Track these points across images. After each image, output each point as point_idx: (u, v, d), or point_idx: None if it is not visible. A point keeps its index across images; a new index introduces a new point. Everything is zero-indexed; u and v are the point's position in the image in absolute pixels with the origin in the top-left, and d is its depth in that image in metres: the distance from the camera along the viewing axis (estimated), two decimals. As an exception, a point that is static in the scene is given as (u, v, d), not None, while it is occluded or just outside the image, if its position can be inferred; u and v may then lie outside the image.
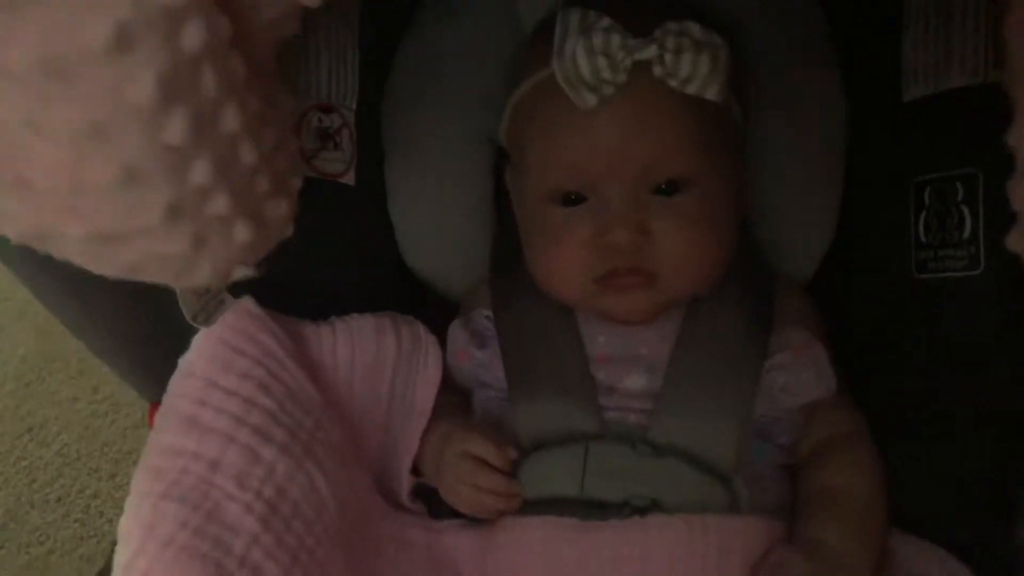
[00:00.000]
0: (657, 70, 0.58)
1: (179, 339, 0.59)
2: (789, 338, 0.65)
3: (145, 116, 0.39)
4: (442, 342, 0.71)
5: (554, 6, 0.68)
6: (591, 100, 0.58)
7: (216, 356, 0.58)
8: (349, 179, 0.70)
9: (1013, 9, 0.44)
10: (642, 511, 0.59)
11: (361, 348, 0.66)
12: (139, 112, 0.38)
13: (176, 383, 0.58)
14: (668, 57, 0.57)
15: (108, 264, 0.46)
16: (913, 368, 0.63)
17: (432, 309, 0.76)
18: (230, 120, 0.44)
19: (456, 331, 0.71)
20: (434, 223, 0.75)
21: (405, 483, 0.66)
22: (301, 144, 0.64)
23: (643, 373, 0.64)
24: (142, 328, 0.61)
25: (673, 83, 0.58)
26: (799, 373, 0.63)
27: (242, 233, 0.47)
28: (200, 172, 0.43)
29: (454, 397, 0.70)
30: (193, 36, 0.39)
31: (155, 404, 0.61)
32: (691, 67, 0.57)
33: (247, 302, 0.61)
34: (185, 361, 0.59)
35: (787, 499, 0.64)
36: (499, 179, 0.76)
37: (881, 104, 0.65)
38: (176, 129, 0.40)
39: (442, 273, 0.78)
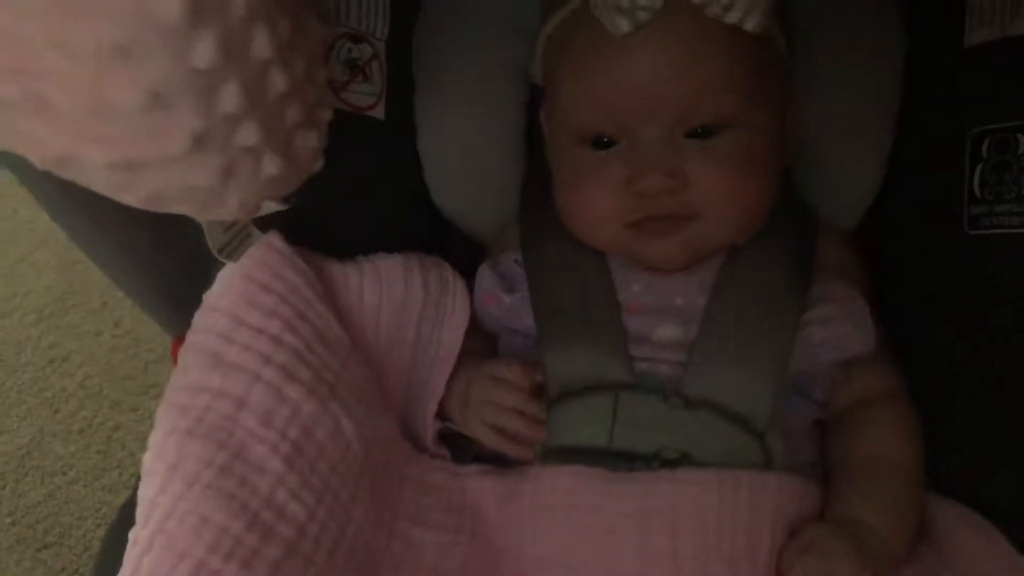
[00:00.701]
0: None
1: (204, 273, 0.58)
2: (830, 290, 0.63)
3: (172, 36, 0.37)
4: (470, 284, 0.69)
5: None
6: (624, 25, 0.55)
7: (242, 292, 0.56)
8: (378, 112, 0.67)
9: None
10: (672, 463, 0.58)
11: (388, 289, 0.64)
12: (166, 32, 0.36)
13: (201, 318, 0.57)
14: None
15: (132, 193, 0.44)
16: (960, 327, 0.60)
17: (460, 249, 0.74)
18: (261, 45, 0.41)
19: (484, 274, 0.69)
20: (464, 159, 0.73)
21: (430, 428, 0.65)
22: (330, 75, 0.61)
23: (677, 324, 0.62)
24: (167, 260, 0.59)
25: (712, 11, 0.55)
26: (839, 327, 0.61)
27: (271, 165, 0.46)
28: (229, 99, 0.41)
29: (480, 343, 0.69)
30: (224, -48, 0.36)
31: (178, 339, 0.60)
32: None
33: (274, 237, 0.59)
34: (210, 296, 0.58)
35: (819, 456, 0.63)
36: (532, 116, 0.73)
37: (941, 47, 0.61)
38: (205, 51, 0.38)
39: (471, 212, 0.76)
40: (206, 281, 0.58)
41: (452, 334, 0.66)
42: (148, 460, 0.52)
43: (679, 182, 0.58)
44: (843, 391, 0.63)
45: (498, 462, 0.64)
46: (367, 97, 0.67)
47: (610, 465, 0.58)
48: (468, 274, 0.69)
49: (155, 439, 0.53)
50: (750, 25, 0.55)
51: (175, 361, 0.59)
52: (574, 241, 0.65)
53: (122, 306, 1.24)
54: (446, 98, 0.71)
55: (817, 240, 0.67)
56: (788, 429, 0.60)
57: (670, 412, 0.59)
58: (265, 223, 0.58)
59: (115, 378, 1.19)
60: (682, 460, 0.58)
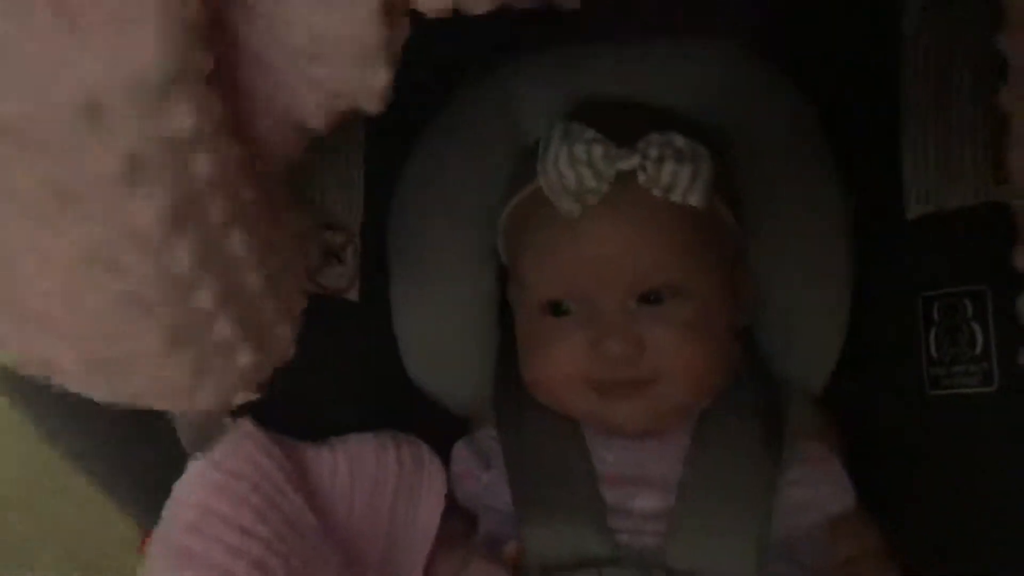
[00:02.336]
0: (641, 178, 0.59)
1: (174, 462, 0.57)
2: (803, 451, 0.63)
3: (150, 243, 0.38)
4: (446, 462, 0.68)
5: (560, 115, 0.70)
6: (575, 209, 0.60)
7: (212, 481, 0.55)
8: (353, 295, 0.69)
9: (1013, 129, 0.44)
10: (660, 644, 0.56)
11: (360, 469, 0.63)
12: (144, 239, 0.38)
13: (170, 511, 0.56)
14: (650, 166, 0.59)
15: (104, 391, 0.45)
16: (934, 485, 0.61)
17: (441, 426, 0.74)
18: (237, 246, 0.43)
19: (461, 451, 0.69)
20: (439, 340, 0.74)
21: None
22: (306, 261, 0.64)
23: (655, 493, 0.62)
24: (134, 452, 0.59)
25: (656, 191, 0.60)
26: (817, 487, 0.62)
27: (245, 358, 0.46)
28: (204, 299, 0.42)
29: (460, 524, 0.67)
30: (204, 165, 0.39)
31: (148, 533, 0.59)
32: (672, 176, 0.59)
33: (245, 423, 0.59)
34: (179, 487, 0.56)
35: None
36: (503, 294, 0.75)
37: (885, 217, 0.65)
38: (182, 256, 0.40)
39: (448, 390, 0.76)
40: (176, 471, 0.57)
41: (428, 513, 0.65)
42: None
43: (637, 348, 0.60)
44: (829, 552, 0.63)
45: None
46: (342, 279, 0.68)
47: (598, 647, 0.56)
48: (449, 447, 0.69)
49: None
50: (693, 201, 0.60)
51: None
52: (548, 415, 0.66)
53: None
54: (420, 280, 0.74)
55: (786, 401, 0.68)
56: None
57: (654, 588, 0.57)
58: (238, 409, 0.58)
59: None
60: (670, 640, 0.56)
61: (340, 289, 0.68)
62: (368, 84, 0.41)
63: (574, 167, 0.59)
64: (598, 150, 0.59)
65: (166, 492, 0.56)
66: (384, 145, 0.73)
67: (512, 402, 0.70)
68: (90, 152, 0.35)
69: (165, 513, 0.56)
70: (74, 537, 1.17)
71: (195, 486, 0.56)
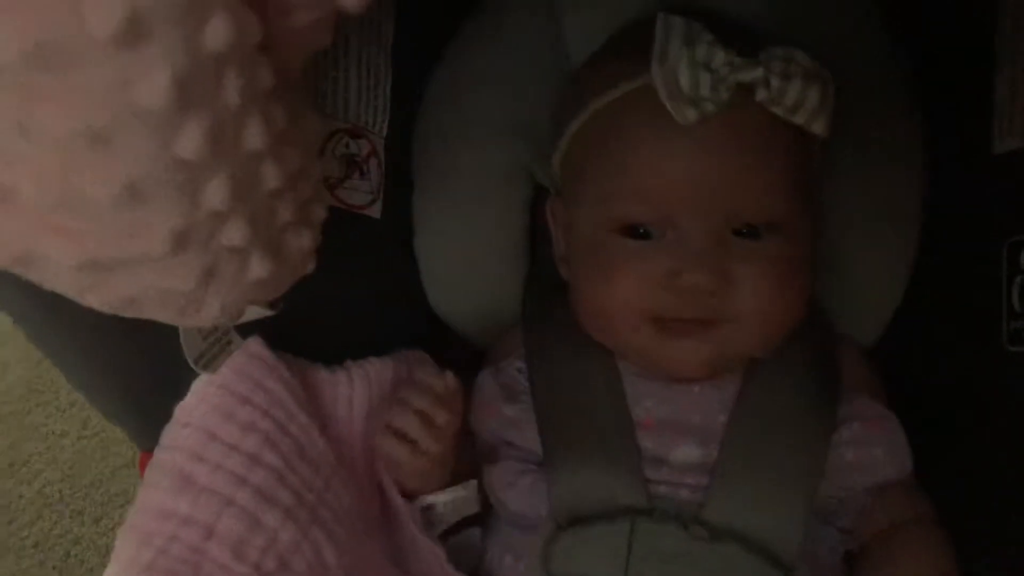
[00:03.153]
0: (761, 94, 0.52)
1: (179, 383, 0.53)
2: (859, 409, 0.58)
3: (155, 123, 0.33)
4: (470, 385, 0.64)
5: (605, 34, 0.64)
6: (691, 115, 0.52)
7: (218, 405, 0.51)
8: (375, 212, 0.64)
9: None
10: (693, 603, 0.52)
11: (379, 397, 0.59)
12: (148, 118, 0.32)
13: (171, 434, 0.52)
14: (775, 81, 0.52)
15: (100, 295, 0.39)
16: (996, 454, 0.56)
17: (460, 351, 0.70)
18: (253, 135, 0.38)
19: (485, 383, 0.64)
20: (464, 261, 0.69)
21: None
22: (325, 170, 0.58)
23: (696, 444, 0.57)
24: (138, 369, 0.54)
25: (778, 110, 0.53)
26: (871, 449, 0.57)
27: (258, 267, 0.41)
28: (215, 194, 0.37)
29: (463, 466, 0.63)
30: (218, 33, 0.33)
31: (147, 453, 0.54)
32: (799, 95, 0.52)
33: (255, 343, 0.54)
34: (182, 409, 0.52)
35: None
36: (535, 217, 0.70)
37: (969, 154, 0.59)
38: (191, 141, 0.34)
39: (470, 316, 0.71)
40: (180, 392, 0.53)
41: None
42: (101, 598, 0.45)
43: (724, 282, 0.54)
44: (872, 518, 0.59)
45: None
46: (363, 195, 0.63)
47: (625, 603, 0.52)
48: (469, 377, 0.65)
49: (111, 571, 0.46)
50: (818, 128, 0.53)
51: (142, 476, 0.53)
52: (583, 350, 0.61)
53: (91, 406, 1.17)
54: (446, 198, 0.68)
55: (839, 354, 0.62)
56: (815, 561, 0.55)
57: (692, 544, 0.53)
58: (246, 327, 0.53)
59: (78, 485, 1.11)
60: (704, 599, 0.52)
61: (361, 205, 0.63)
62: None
63: (692, 70, 0.51)
64: (719, 56, 0.52)
65: (168, 413, 0.52)
66: (413, 52, 0.67)
67: (543, 334, 0.65)
68: (84, 6, 0.29)
69: (165, 435, 0.52)
70: (75, 457, 1.15)
71: (199, 409, 0.52)
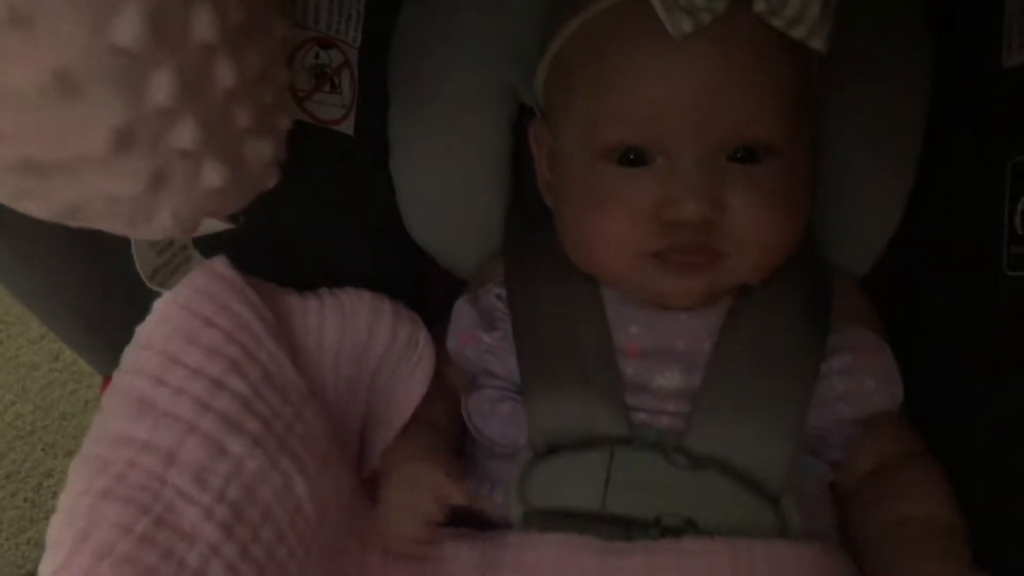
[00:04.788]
0: (760, 5, 0.48)
1: (140, 304, 0.50)
2: (851, 339, 0.56)
3: (86, 3, 0.29)
4: (444, 321, 0.62)
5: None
6: (687, 24, 0.48)
7: (180, 326, 0.48)
8: (347, 127, 0.60)
9: None
10: (676, 532, 0.51)
11: (352, 329, 0.56)
12: (77, -4, 0.29)
13: (130, 357, 0.49)
14: None
15: (39, 201, 0.36)
16: (994, 383, 0.54)
17: (437, 278, 0.68)
18: (203, 26, 0.34)
19: (462, 311, 0.61)
20: (442, 183, 0.66)
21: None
22: (293, 80, 0.54)
23: (680, 370, 0.55)
24: (91, 287, 0.51)
25: (777, 23, 0.49)
26: (862, 379, 0.55)
27: (213, 174, 0.38)
28: (160, 88, 0.33)
29: (438, 414, 0.61)
30: (155, -100, 0.29)
31: (108, 379, 0.52)
32: (800, 7, 0.48)
33: (219, 262, 0.51)
34: (142, 330, 0.49)
35: (834, 523, 0.57)
36: (518, 140, 0.66)
37: (975, 70, 0.56)
38: (128, 25, 0.31)
39: (448, 243, 0.69)
40: (141, 313, 0.50)
41: (407, 398, 0.59)
42: (55, 526, 0.43)
43: (716, 212, 0.51)
44: (863, 451, 0.57)
45: (470, 521, 0.56)
46: (335, 109, 0.59)
47: (604, 533, 0.51)
48: (447, 305, 0.62)
49: (65, 500, 0.44)
50: (817, 43, 0.49)
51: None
52: (565, 275, 0.58)
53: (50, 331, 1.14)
54: (424, 115, 0.64)
55: (832, 283, 0.60)
56: (802, 493, 0.54)
57: (672, 472, 0.52)
58: (209, 246, 0.50)
59: (51, 417, 1.09)
60: (686, 528, 0.51)
61: (333, 120, 0.60)
62: None
63: None
64: None
65: (125, 335, 0.49)
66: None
67: (525, 260, 0.62)
68: None
69: (125, 358, 0.50)
70: (46, 389, 1.13)
71: (160, 330, 0.49)
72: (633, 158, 0.53)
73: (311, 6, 0.57)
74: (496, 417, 0.58)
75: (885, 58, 0.61)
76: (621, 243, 0.53)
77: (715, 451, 0.52)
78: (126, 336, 0.50)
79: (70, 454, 1.05)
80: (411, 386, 0.59)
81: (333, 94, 0.59)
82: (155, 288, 0.48)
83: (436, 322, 0.61)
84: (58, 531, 0.43)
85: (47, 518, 0.99)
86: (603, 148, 0.53)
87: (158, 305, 0.50)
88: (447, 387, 0.62)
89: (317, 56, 0.57)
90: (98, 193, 0.36)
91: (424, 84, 0.64)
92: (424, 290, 0.68)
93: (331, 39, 0.58)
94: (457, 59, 0.64)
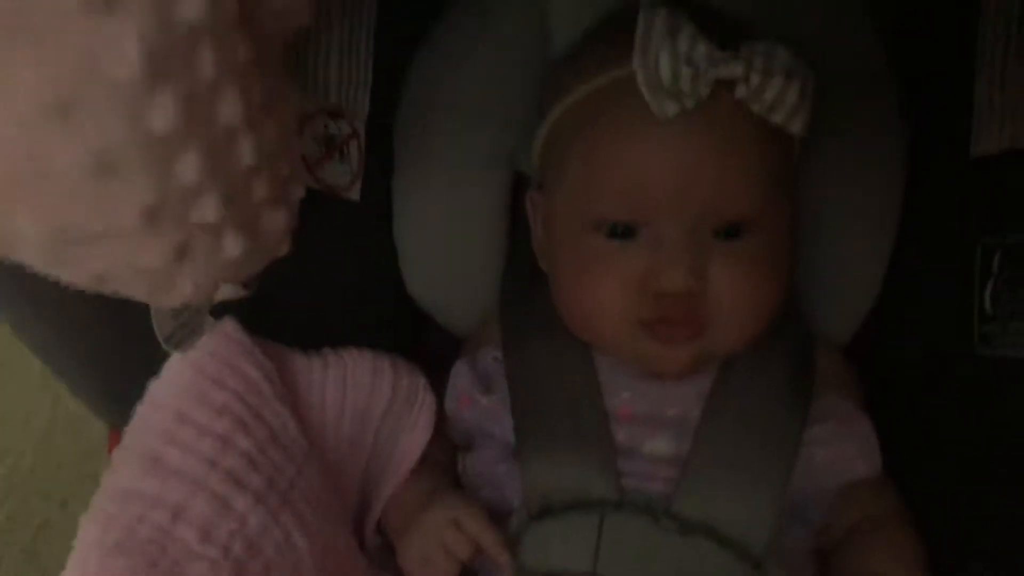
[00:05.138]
0: (741, 91, 0.51)
1: (150, 361, 0.52)
2: (831, 407, 0.58)
3: (126, 93, 0.32)
4: (443, 380, 0.64)
5: (592, 22, 0.63)
6: (671, 108, 0.51)
7: (191, 386, 0.50)
8: (353, 194, 0.63)
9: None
10: (662, 595, 0.52)
11: (354, 389, 0.59)
12: (118, 88, 0.32)
13: (142, 414, 0.51)
14: (755, 78, 0.51)
15: (70, 270, 0.39)
16: (965, 458, 0.56)
17: (438, 339, 0.70)
18: (229, 109, 0.37)
19: (460, 373, 0.63)
20: (442, 248, 0.68)
21: (369, 539, 0.60)
22: (304, 150, 0.57)
23: (670, 437, 0.57)
24: (107, 345, 0.53)
25: (756, 107, 0.52)
26: (842, 447, 0.57)
27: (232, 245, 0.41)
28: (188, 168, 0.36)
29: (441, 454, 0.63)
30: (192, 3, 0.32)
31: (116, 432, 0.54)
32: (778, 93, 0.51)
33: (231, 325, 0.53)
34: (155, 389, 0.51)
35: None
36: (515, 205, 0.69)
37: (946, 154, 0.59)
38: (163, 113, 0.33)
39: (447, 303, 0.71)
40: (152, 370, 0.52)
41: (409, 451, 0.61)
42: (65, 579, 0.45)
43: (702, 284, 0.54)
44: (841, 516, 0.59)
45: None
46: (342, 177, 0.62)
47: (595, 595, 0.52)
48: (447, 366, 0.64)
49: (75, 555, 0.45)
50: (796, 128, 0.53)
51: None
52: (560, 339, 0.60)
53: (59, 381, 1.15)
54: (427, 182, 0.67)
55: (815, 352, 0.62)
56: (784, 557, 0.55)
57: (662, 537, 0.53)
58: (220, 308, 0.52)
59: (48, 466, 1.09)
60: (673, 591, 0.52)
61: (340, 187, 0.62)
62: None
63: (673, 63, 0.50)
64: (701, 49, 0.51)
65: (135, 391, 0.51)
66: (396, 33, 0.66)
67: (521, 323, 0.64)
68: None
69: (137, 416, 0.51)
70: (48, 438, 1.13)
71: (172, 389, 0.51)
72: (621, 231, 0.55)
73: (321, 79, 0.60)
74: (491, 478, 0.60)
75: (866, 138, 0.64)
76: (610, 312, 0.56)
77: (703, 516, 0.54)
78: (137, 393, 0.52)
79: (65, 504, 1.05)
80: (415, 436, 0.61)
81: (341, 162, 0.62)
82: (171, 350, 0.50)
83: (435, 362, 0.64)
84: (69, 584, 0.44)
85: (40, 572, 0.99)
86: (592, 221, 0.56)
87: (170, 364, 0.52)
88: (445, 432, 0.64)
89: (327, 126, 0.60)
90: (126, 264, 0.38)
91: (425, 152, 0.67)
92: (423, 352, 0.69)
93: (340, 110, 0.61)
94: (456, 129, 0.67)
